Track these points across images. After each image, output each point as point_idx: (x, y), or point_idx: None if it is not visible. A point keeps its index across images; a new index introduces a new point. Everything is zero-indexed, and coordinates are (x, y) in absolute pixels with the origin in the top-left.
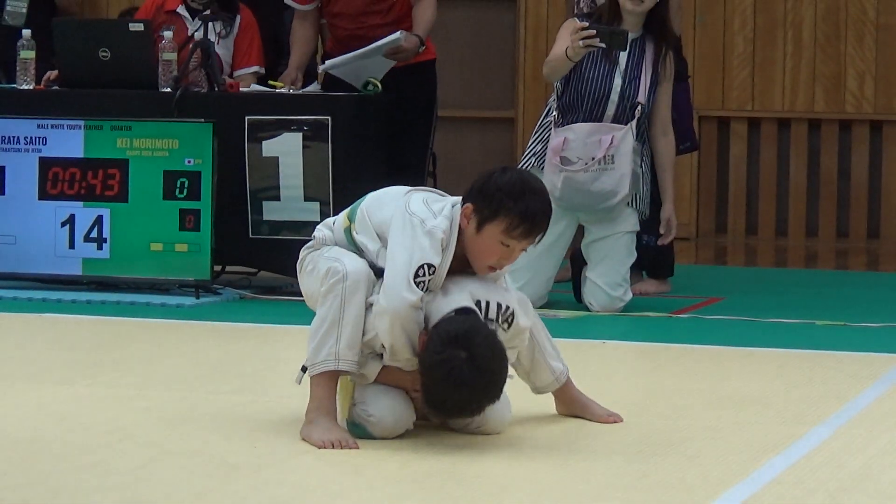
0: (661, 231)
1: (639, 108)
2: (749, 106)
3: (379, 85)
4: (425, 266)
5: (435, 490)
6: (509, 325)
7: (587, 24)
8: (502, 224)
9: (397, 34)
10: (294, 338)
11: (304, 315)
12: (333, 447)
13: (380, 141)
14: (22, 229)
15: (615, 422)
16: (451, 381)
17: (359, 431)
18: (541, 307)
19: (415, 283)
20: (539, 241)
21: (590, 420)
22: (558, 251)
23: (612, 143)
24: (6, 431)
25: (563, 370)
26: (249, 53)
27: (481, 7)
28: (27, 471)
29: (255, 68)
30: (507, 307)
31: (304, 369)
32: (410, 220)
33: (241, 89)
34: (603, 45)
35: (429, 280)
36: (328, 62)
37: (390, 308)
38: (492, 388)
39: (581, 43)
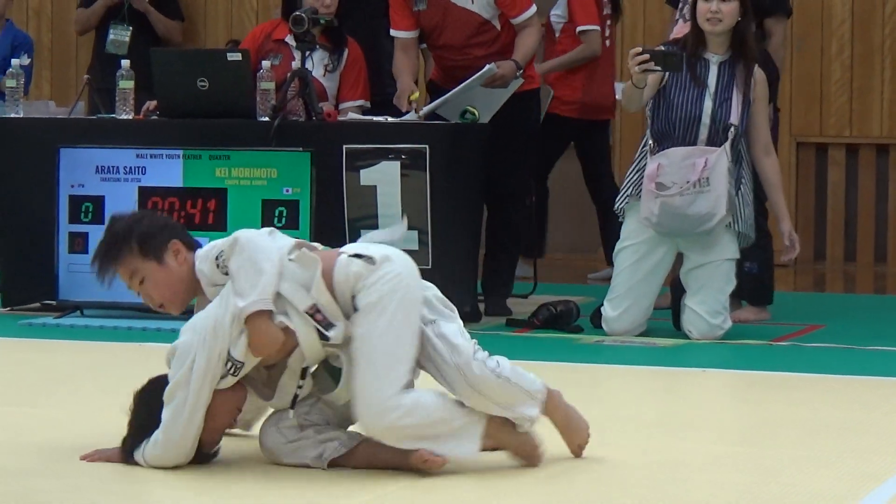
0: (786, 243)
1: (732, 129)
2: (847, 132)
3: (476, 113)
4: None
5: None
6: None
7: (640, 49)
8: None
9: (488, 67)
10: None
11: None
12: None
13: (478, 169)
14: None
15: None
16: None
17: None
18: (640, 335)
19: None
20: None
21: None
22: (657, 279)
23: (706, 165)
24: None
25: (540, 390)
26: (356, 87)
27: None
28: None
29: (360, 102)
30: None
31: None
32: None
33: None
34: (658, 69)
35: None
36: (428, 106)
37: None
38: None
39: (637, 69)
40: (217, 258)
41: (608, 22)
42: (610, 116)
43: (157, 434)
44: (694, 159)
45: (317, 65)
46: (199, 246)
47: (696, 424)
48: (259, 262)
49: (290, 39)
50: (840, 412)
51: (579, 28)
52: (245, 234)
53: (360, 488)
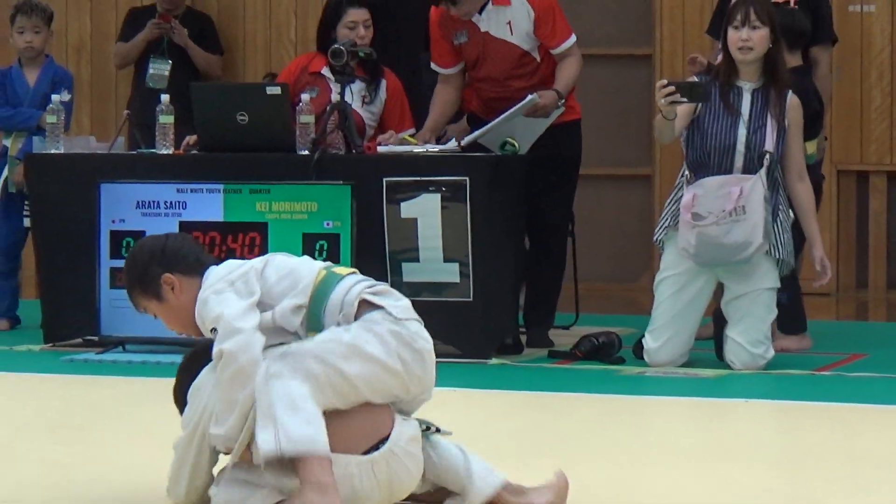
0: (818, 268)
1: (767, 156)
2: (888, 159)
3: (517, 145)
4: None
5: None
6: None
7: (666, 81)
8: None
9: (530, 97)
10: (444, 396)
11: (446, 375)
12: None
13: (519, 200)
14: None
15: None
16: None
17: None
18: (682, 365)
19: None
20: None
21: None
22: (698, 309)
23: (741, 193)
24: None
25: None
26: (403, 118)
27: (618, 64)
28: None
29: (411, 131)
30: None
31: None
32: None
33: (379, 147)
34: (684, 100)
35: None
36: (469, 136)
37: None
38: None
39: (664, 101)
40: (210, 330)
41: None
42: None
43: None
44: (729, 188)
45: (355, 96)
46: (205, 265)
47: (739, 455)
48: (234, 393)
49: (326, 71)
50: (883, 442)
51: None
52: (230, 349)
53: None
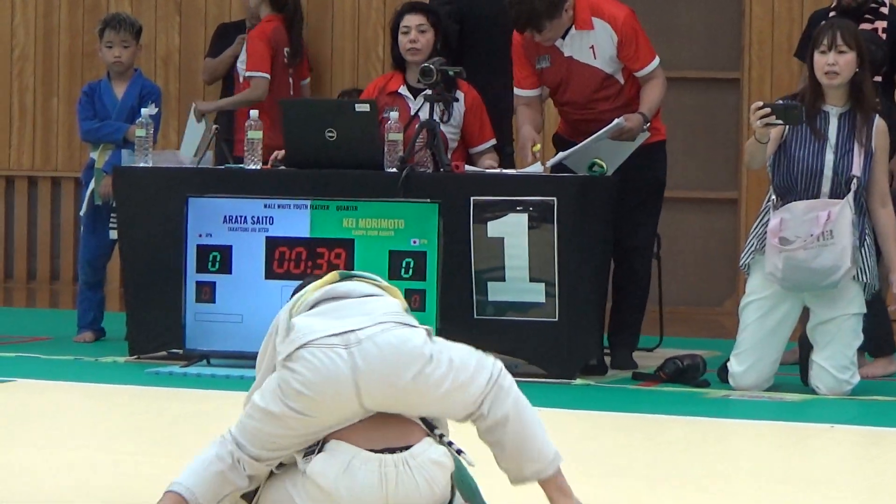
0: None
1: (854, 181)
2: None
3: (605, 166)
4: None
5: None
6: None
7: (761, 103)
8: None
9: (616, 121)
10: None
11: (530, 395)
12: None
13: (606, 221)
14: (248, 308)
15: None
16: None
17: None
18: (767, 390)
19: None
20: None
21: None
22: (783, 333)
23: (829, 218)
24: None
25: (554, 454)
26: (483, 129)
27: (705, 87)
28: None
29: (491, 142)
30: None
31: None
32: None
33: (474, 165)
34: (780, 122)
35: None
36: (556, 157)
37: None
38: None
39: (759, 123)
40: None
41: (290, 70)
42: None
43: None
44: (817, 213)
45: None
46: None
47: (823, 481)
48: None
49: (403, 90)
50: None
51: (246, 73)
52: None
53: None
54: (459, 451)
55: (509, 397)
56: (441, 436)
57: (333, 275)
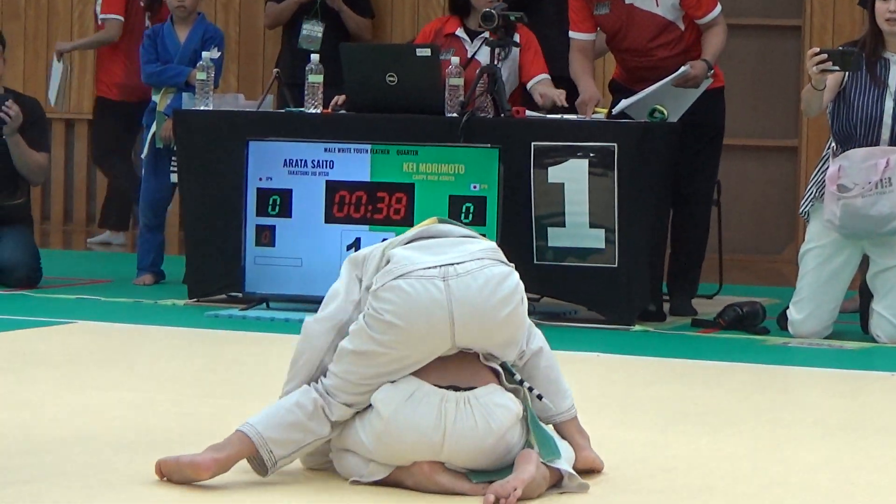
0: None
1: None
2: None
3: (665, 112)
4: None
5: None
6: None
7: (818, 49)
8: None
9: (683, 68)
10: (586, 362)
11: (589, 341)
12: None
13: (666, 168)
14: (308, 252)
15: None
16: None
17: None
18: (826, 337)
19: None
20: None
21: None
22: (842, 281)
23: (887, 165)
24: None
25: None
26: (537, 62)
27: (766, 35)
28: None
29: (544, 76)
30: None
31: None
32: None
33: (531, 102)
34: (836, 68)
35: None
36: (620, 104)
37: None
38: None
39: (815, 69)
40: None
41: (147, 13)
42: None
43: None
44: (875, 160)
45: (488, 54)
46: None
47: (883, 428)
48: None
49: (460, 32)
50: None
51: (101, 16)
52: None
53: None
54: (540, 397)
55: (535, 330)
56: (522, 381)
57: (432, 219)
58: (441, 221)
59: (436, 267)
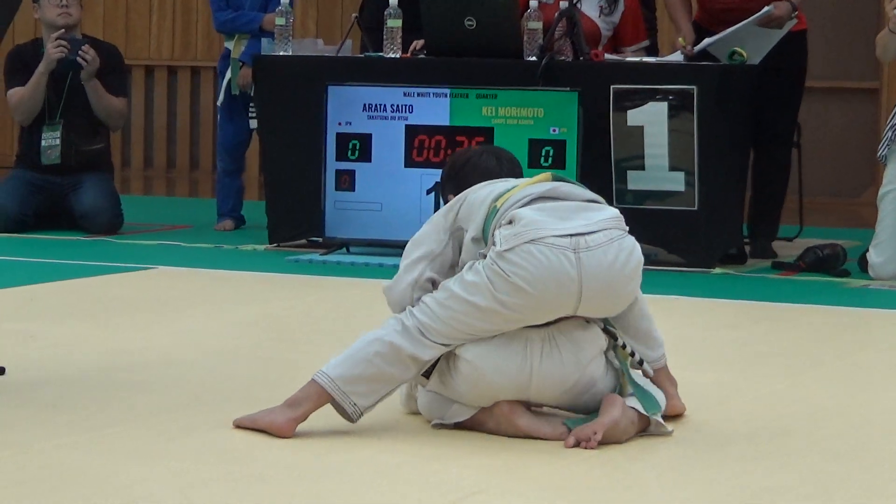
0: None
1: None
2: None
3: (745, 54)
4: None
5: None
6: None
7: None
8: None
9: (766, 8)
10: (667, 304)
11: (669, 284)
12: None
13: (745, 111)
14: (387, 197)
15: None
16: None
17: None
18: None
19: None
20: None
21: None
22: None
23: None
24: None
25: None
26: (637, 30)
27: None
28: None
29: (644, 43)
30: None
31: None
32: None
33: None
34: None
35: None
36: (704, 42)
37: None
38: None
39: (894, 13)
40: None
41: None
42: None
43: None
44: None
45: (593, 5)
46: None
47: None
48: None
49: None
50: None
51: None
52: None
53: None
54: (641, 362)
55: None
56: (624, 345)
57: (546, 175)
58: (554, 178)
59: (566, 236)
